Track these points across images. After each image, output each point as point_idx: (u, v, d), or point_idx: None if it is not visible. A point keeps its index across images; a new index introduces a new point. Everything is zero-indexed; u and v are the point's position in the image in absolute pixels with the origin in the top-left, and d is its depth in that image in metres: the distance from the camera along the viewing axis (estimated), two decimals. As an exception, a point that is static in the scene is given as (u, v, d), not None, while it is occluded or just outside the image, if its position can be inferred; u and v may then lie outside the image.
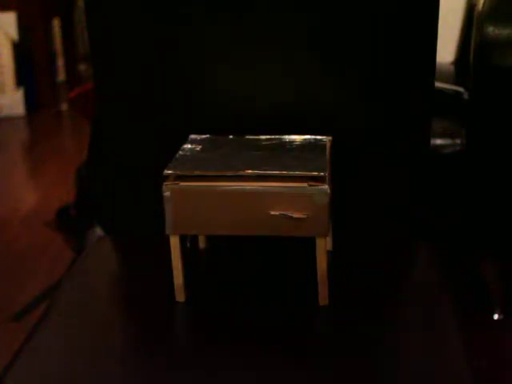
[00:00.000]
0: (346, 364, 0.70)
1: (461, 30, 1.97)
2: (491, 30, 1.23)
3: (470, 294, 1.49)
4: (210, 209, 0.76)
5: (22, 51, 3.55)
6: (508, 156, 1.31)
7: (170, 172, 0.77)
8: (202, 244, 0.93)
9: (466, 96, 1.56)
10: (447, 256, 1.11)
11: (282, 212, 0.75)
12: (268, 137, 0.88)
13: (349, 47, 0.89)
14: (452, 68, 1.96)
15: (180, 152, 0.83)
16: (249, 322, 0.77)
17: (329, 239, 0.91)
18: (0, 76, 3.52)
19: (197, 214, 0.77)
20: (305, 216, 0.75)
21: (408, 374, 0.68)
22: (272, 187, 0.75)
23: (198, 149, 0.84)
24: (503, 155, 1.32)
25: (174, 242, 0.79)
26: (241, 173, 0.76)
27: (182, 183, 0.76)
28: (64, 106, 3.67)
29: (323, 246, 0.77)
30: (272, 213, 0.76)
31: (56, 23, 3.93)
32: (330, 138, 0.88)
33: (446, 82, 1.64)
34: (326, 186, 0.75)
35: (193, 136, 0.89)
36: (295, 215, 0.75)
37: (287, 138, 0.88)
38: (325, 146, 0.85)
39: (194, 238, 0.93)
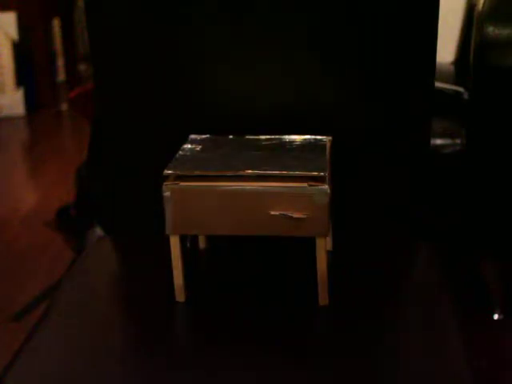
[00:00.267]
0: (346, 364, 0.69)
1: (461, 30, 1.97)
2: (491, 30, 1.23)
3: (470, 294, 1.49)
4: (209, 209, 0.76)
5: (22, 51, 3.55)
6: (508, 156, 1.31)
7: (169, 172, 0.77)
8: (202, 244, 0.93)
9: (466, 96, 1.56)
10: (447, 256, 1.11)
11: (282, 212, 0.75)
12: (268, 137, 0.88)
13: (349, 47, 0.89)
14: (452, 68, 1.96)
15: (180, 152, 0.83)
16: (249, 321, 0.77)
17: (329, 239, 0.91)
18: (0, 76, 3.52)
19: (197, 213, 0.77)
20: (305, 216, 0.75)
21: (408, 373, 0.68)
22: (272, 187, 0.75)
23: (198, 149, 0.84)
24: (503, 155, 1.32)
25: (174, 242, 0.79)
26: (241, 173, 0.76)
27: (182, 183, 0.76)
28: (64, 106, 3.67)
29: (323, 245, 0.77)
30: (272, 213, 0.76)
31: (56, 23, 3.93)
32: (330, 138, 0.88)
33: (446, 82, 1.64)
34: (325, 186, 0.75)
35: (193, 136, 0.89)
36: (295, 215, 0.75)
37: (287, 138, 0.88)
38: (325, 146, 0.85)
39: (194, 238, 0.93)
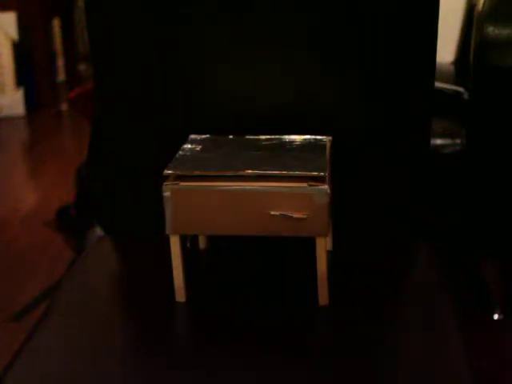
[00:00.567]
0: (346, 364, 0.69)
1: (461, 30, 1.97)
2: (491, 30, 1.23)
3: (470, 294, 1.49)
4: (209, 209, 0.76)
5: (22, 51, 3.55)
6: (508, 156, 1.31)
7: (170, 172, 0.77)
8: (202, 244, 0.93)
9: (466, 96, 1.56)
10: (447, 256, 1.11)
11: (282, 212, 0.75)
12: (268, 137, 0.88)
13: (349, 47, 0.89)
14: (452, 68, 1.96)
15: (180, 152, 0.83)
16: (249, 322, 0.77)
17: (329, 239, 0.91)
18: (0, 76, 3.52)
19: (197, 213, 0.77)
20: (305, 216, 0.75)
21: (408, 374, 0.68)
22: (272, 187, 0.75)
23: (198, 149, 0.84)
24: (503, 155, 1.32)
25: (174, 242, 0.79)
26: (241, 173, 0.76)
27: (182, 183, 0.76)
28: (64, 106, 3.67)
29: (323, 245, 0.77)
30: (272, 213, 0.76)
31: (56, 23, 3.93)
32: (330, 138, 0.88)
33: (446, 82, 1.64)
34: (326, 186, 0.75)
35: (193, 136, 0.89)
36: (295, 215, 0.75)
37: (287, 138, 0.88)
38: (325, 146, 0.85)
39: (194, 238, 0.93)
